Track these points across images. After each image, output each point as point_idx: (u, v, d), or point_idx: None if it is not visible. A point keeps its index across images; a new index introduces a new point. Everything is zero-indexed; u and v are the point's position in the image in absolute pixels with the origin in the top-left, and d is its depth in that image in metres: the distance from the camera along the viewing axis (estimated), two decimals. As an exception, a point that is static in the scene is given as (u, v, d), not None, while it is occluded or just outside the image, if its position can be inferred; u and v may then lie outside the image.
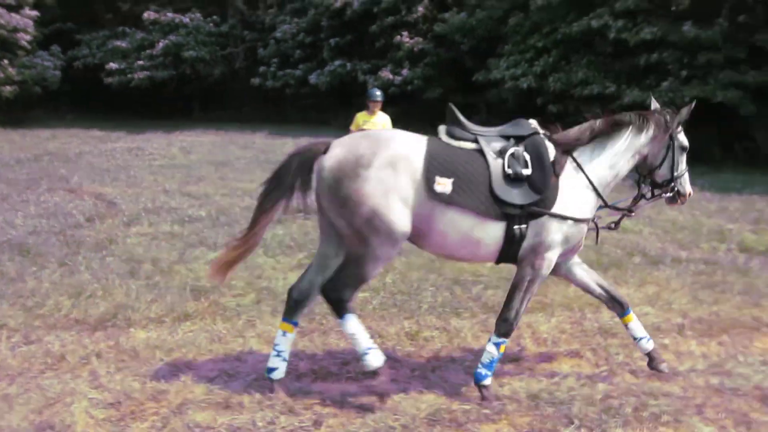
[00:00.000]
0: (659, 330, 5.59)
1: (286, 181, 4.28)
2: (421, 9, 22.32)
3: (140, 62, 28.09)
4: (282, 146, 19.53)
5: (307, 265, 7.29)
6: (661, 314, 5.99)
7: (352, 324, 4.20)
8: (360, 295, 6.38)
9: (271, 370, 4.41)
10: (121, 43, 28.69)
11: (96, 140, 22.37)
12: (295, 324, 4.48)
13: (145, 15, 28.38)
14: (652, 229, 9.18)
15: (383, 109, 10.26)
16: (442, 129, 4.46)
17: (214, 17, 29.27)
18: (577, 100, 16.83)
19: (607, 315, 5.82)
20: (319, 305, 6.06)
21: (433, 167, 4.13)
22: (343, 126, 25.07)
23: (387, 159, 4.12)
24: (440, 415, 4.13)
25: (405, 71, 22.42)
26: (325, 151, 4.26)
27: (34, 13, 26.25)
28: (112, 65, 28.23)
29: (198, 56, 28.07)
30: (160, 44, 27.77)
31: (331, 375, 4.79)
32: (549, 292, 6.50)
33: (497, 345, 4.36)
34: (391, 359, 4.97)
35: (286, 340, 4.42)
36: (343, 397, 4.40)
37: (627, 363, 4.96)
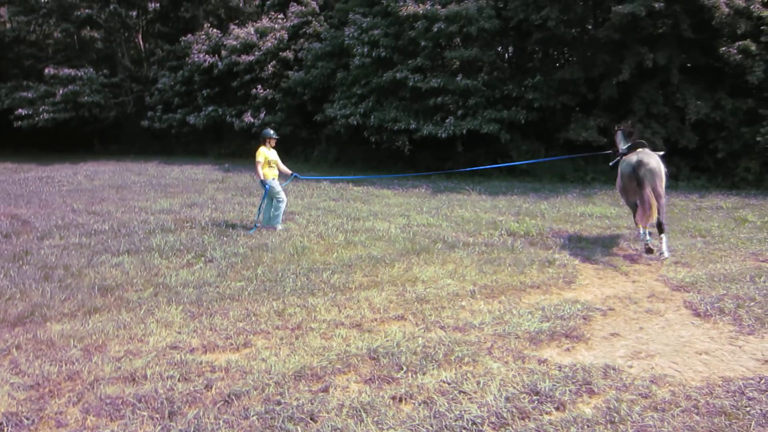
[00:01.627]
0: (458, 295, 5.63)
1: (638, 176, 6.90)
2: (270, 68, 22.02)
3: (44, 107, 25.42)
4: (170, 172, 18.37)
5: (195, 263, 6.98)
6: (458, 284, 6.03)
7: (666, 238, 7.02)
8: (237, 284, 6.14)
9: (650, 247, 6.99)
10: (27, 94, 25.86)
11: (9, 171, 19.81)
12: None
13: (46, 71, 25.67)
14: (448, 223, 9.32)
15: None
16: (645, 147, 7.45)
17: (105, 71, 27.18)
18: (390, 132, 17.18)
19: (421, 287, 5.93)
20: (205, 294, 5.78)
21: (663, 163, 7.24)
22: (217, 155, 24.54)
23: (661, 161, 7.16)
24: (304, 371, 4.03)
25: (262, 115, 22.03)
26: (644, 162, 6.93)
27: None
28: (21, 111, 25.32)
29: (93, 101, 25.86)
30: (60, 92, 25.30)
31: (218, 347, 4.53)
32: (379, 273, 6.46)
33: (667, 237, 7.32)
34: (263, 332, 4.82)
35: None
36: (228, 364, 4.19)
37: (438, 321, 4.99)
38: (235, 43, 22.68)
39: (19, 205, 11.83)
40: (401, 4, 16.37)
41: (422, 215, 10.09)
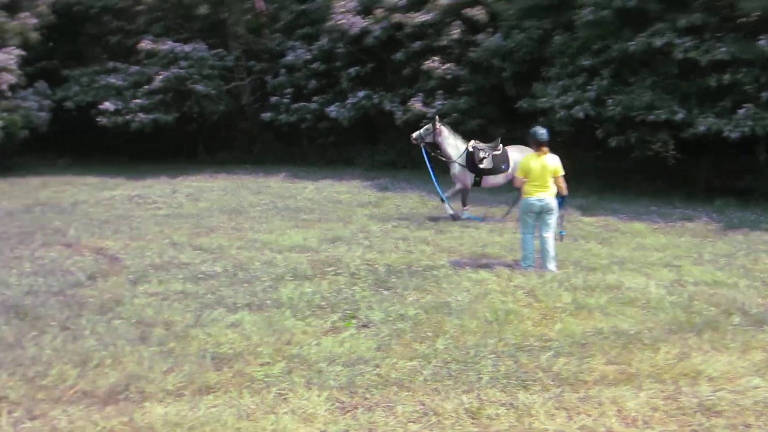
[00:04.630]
0: (775, 407, 5.28)
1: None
2: (455, 30, 22.49)
3: (137, 101, 27.31)
4: (302, 190, 19.44)
5: (343, 328, 7.33)
6: (775, 387, 5.76)
7: None
8: (407, 364, 6.31)
9: None
10: (114, 80, 28.07)
11: (92, 188, 22.24)
12: None
13: (141, 45, 27.79)
14: (749, 281, 8.80)
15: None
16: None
17: (219, 50, 28.99)
18: (641, 127, 16.65)
19: (707, 388, 5.66)
20: (360, 376, 6.01)
21: None
22: (369, 165, 25.32)
23: None
24: None
25: (439, 102, 22.55)
26: None
27: (17, 51, 25.86)
28: (107, 104, 27.27)
29: (205, 91, 27.63)
30: (159, 77, 27.16)
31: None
32: (634, 360, 6.27)
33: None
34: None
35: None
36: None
37: (738, 448, 4.73)
38: (397, -2, 23.62)
39: (105, 236, 13.31)
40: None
41: (703, 266, 9.73)
